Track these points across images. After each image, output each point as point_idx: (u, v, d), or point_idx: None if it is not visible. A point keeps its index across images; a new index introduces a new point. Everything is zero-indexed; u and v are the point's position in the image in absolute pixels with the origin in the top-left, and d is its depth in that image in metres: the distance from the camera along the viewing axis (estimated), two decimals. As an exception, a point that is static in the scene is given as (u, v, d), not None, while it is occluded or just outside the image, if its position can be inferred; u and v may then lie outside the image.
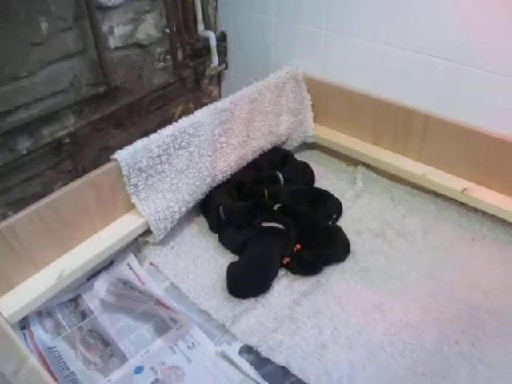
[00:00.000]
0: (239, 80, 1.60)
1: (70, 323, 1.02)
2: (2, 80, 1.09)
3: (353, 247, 1.16)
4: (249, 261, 1.08)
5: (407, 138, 1.29)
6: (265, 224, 1.13)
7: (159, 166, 1.11)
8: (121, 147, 1.05)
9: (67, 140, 1.24)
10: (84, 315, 1.04)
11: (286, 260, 1.10)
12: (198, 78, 1.59)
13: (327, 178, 1.42)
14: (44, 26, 1.11)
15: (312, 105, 1.42)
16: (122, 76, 1.35)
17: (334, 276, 1.10)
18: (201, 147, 1.18)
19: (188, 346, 0.96)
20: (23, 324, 0.99)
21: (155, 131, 1.11)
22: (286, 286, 1.08)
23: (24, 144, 1.18)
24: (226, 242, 1.17)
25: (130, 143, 1.07)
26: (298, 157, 1.48)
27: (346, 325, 0.99)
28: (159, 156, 1.10)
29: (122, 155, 1.03)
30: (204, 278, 1.11)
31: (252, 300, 1.04)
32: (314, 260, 1.10)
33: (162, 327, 1.00)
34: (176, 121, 1.15)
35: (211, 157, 1.20)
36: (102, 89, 1.27)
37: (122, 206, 1.10)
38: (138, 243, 1.18)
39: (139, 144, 1.06)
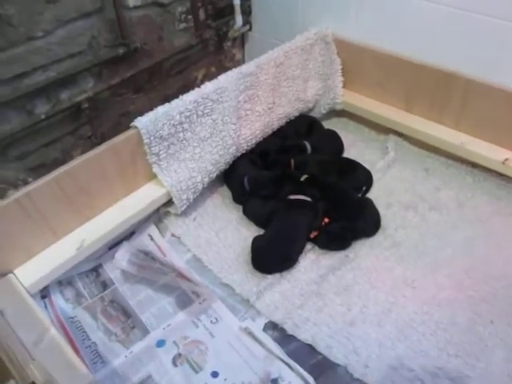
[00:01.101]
0: (264, 42, 1.51)
1: (90, 293, 1.00)
2: (18, 40, 1.03)
3: (383, 221, 1.10)
4: (274, 234, 1.04)
5: (445, 105, 1.20)
6: (292, 196, 1.08)
7: (181, 133, 1.06)
8: (141, 112, 1.01)
9: (86, 105, 1.19)
10: (105, 285, 1.02)
11: (313, 234, 1.05)
12: (220, 39, 1.50)
13: (356, 147, 1.35)
14: (59, -18, 1.05)
15: (342, 69, 1.33)
16: (142, 37, 1.28)
17: (362, 251, 1.05)
18: (225, 114, 1.12)
19: (211, 321, 0.93)
20: (44, 293, 0.98)
21: (176, 96, 1.05)
22: (312, 261, 1.03)
23: (42, 108, 1.14)
24: (250, 214, 1.12)
25: (151, 109, 1.02)
26: (326, 124, 1.40)
27: (376, 302, 0.95)
28: (181, 123, 1.05)
29: (142, 122, 0.98)
30: (227, 250, 1.07)
31: (277, 275, 1.00)
32: (342, 234, 1.05)
33: (184, 300, 0.98)
34: (198, 86, 1.09)
35: (235, 125, 1.14)
36: (121, 50, 1.21)
37: (143, 175, 1.06)
38: (159, 213, 1.15)
39: (161, 110, 1.01)
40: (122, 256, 1.06)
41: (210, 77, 1.52)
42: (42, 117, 1.12)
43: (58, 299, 0.98)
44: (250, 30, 1.55)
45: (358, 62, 1.30)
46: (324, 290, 0.97)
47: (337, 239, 1.05)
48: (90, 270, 1.05)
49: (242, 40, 1.60)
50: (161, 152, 1.04)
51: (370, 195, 1.18)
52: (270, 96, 1.22)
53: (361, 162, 1.24)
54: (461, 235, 1.08)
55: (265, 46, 1.33)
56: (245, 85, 1.15)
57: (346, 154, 1.32)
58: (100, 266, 1.06)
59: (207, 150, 1.11)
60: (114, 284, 1.02)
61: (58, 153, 1.24)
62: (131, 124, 0.99)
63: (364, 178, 1.20)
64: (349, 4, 1.26)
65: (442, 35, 1.14)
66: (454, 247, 1.05)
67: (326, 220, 1.07)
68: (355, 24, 1.28)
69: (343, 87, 1.35)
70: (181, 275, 1.02)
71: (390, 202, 1.16)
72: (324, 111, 1.39)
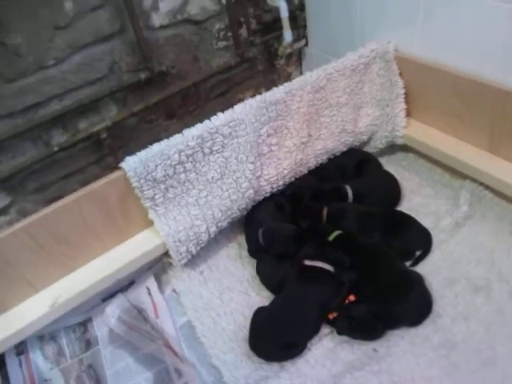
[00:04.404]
0: (321, 59, 1.28)
1: (72, 353, 0.90)
2: (28, 70, 0.97)
3: (439, 304, 0.82)
4: (277, 311, 0.81)
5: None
6: (308, 262, 0.84)
7: (183, 174, 0.90)
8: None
9: (105, 135, 1.09)
10: (89, 345, 0.91)
11: (332, 315, 0.80)
12: (271, 57, 1.31)
13: (421, 193, 1.04)
14: (68, 5, 0.96)
15: (405, 94, 1.04)
16: (173, 59, 1.15)
17: (399, 347, 0.77)
18: (240, 152, 0.93)
19: (182, 416, 0.75)
20: (21, 349, 0.89)
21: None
22: (328, 351, 0.79)
23: (59, 138, 1.07)
24: (261, 276, 0.92)
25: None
26: (386, 161, 1.12)
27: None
28: (182, 163, 0.88)
29: (129, 164, 0.84)
30: (227, 319, 0.88)
31: (276, 365, 0.78)
32: (369, 321, 0.78)
33: (163, 379, 0.82)
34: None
35: (254, 163, 0.95)
36: (143, 75, 1.09)
37: (137, 222, 0.93)
38: (163, 262, 1.00)
39: (154, 149, 0.86)
40: (113, 311, 0.93)
41: (259, 99, 1.33)
42: (55, 149, 1.05)
43: (36, 356, 0.89)
44: (307, 45, 1.32)
45: (427, 86, 1.00)
46: (333, 399, 0.73)
47: (362, 327, 0.78)
48: (78, 323, 0.94)
49: (299, 57, 1.38)
50: (156, 196, 0.89)
51: (426, 265, 0.89)
52: (303, 128, 1.00)
53: (424, 215, 0.96)
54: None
55: (322, 63, 1.10)
56: (269, 115, 0.95)
57: (407, 202, 1.03)
58: (90, 320, 0.94)
59: (216, 194, 0.93)
60: (98, 344, 0.90)
61: (80, 184, 1.17)
62: (119, 164, 0.85)
63: (419, 239, 0.91)
64: (415, 11, 0.97)
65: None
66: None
67: (351, 297, 0.81)
68: (422, 37, 0.98)
69: (406, 116, 1.06)
70: (168, 345, 0.86)
71: (452, 277, 0.86)
72: (381, 146, 1.11)
